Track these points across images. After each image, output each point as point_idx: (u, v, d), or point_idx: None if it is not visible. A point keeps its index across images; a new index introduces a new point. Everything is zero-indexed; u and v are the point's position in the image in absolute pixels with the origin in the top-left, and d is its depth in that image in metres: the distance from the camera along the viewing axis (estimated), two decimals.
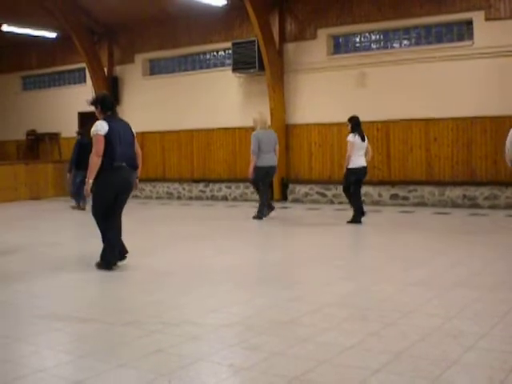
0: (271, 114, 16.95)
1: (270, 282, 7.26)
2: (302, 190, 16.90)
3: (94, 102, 8.03)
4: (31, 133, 22.53)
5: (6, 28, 18.73)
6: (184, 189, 19.01)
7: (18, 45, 21.77)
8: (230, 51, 17.48)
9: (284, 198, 17.24)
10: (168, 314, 5.86)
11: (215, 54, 18.89)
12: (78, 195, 16.03)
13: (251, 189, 17.62)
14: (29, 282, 7.56)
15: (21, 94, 23.24)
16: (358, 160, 11.89)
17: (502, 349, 4.60)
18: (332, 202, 16.23)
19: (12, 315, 5.93)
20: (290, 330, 5.23)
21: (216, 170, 18.52)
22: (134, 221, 13.91)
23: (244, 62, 17.02)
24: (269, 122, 13.91)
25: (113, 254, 7.94)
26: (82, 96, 20.92)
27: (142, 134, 19.86)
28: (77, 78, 21.96)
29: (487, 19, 14.24)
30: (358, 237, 10.89)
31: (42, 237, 11.61)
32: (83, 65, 20.37)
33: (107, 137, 7.65)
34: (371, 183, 15.85)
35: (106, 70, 20.42)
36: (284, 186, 17.28)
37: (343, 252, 9.44)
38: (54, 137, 22.06)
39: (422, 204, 15.03)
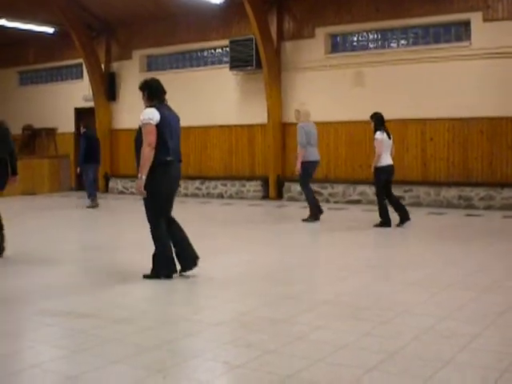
0: (268, 113, 16.97)
1: (266, 280, 7.27)
2: (297, 188, 16.86)
3: (142, 87, 7.26)
4: (28, 128, 22.47)
5: (3, 23, 18.67)
6: (179, 186, 18.98)
7: (15, 40, 21.70)
8: (228, 49, 17.48)
9: (279, 196, 17.25)
10: (163, 311, 5.87)
11: (213, 51, 18.86)
12: (91, 191, 15.63)
13: (247, 187, 17.65)
14: (27, 278, 7.57)
15: (18, 89, 23.20)
16: (387, 158, 11.44)
17: (496, 349, 4.61)
18: (328, 201, 16.22)
19: (8, 310, 5.93)
20: (285, 328, 5.24)
21: (212, 167, 18.52)
22: (131, 216, 13.96)
23: (241, 59, 17.02)
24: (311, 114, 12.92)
25: (166, 265, 7.20)
26: (78, 92, 21.01)
27: None
28: (74, 73, 21.92)
29: (485, 20, 14.25)
30: (354, 236, 10.89)
31: (39, 233, 11.60)
32: (80, 60, 20.33)
33: (159, 127, 6.89)
34: (367, 182, 15.86)
35: (103, 65, 20.39)
36: (280, 185, 17.29)
37: (340, 251, 9.44)
38: (51, 132, 22.03)
39: (417, 204, 15.03)
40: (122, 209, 15.92)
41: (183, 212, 15.19)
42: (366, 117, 15.66)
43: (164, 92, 7.25)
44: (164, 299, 6.41)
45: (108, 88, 20.30)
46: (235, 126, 17.98)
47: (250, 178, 17.77)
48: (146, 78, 7.43)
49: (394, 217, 11.46)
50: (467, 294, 6.38)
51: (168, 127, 7.00)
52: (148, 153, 6.81)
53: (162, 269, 7.17)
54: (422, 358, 4.41)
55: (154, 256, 7.19)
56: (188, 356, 4.54)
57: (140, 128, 6.99)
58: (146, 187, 6.85)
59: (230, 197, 17.95)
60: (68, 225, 13.45)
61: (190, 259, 7.25)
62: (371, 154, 15.90)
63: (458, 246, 9.56)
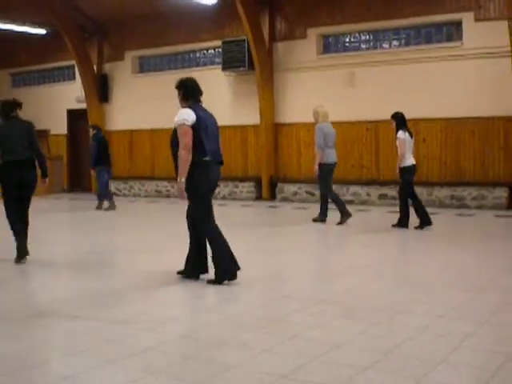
0: (260, 113, 16.98)
1: (260, 280, 7.27)
2: (290, 189, 16.92)
3: (178, 86, 7.04)
4: None
5: None
6: (173, 187, 18.96)
7: (7, 41, 21.65)
8: (220, 50, 17.50)
9: (273, 197, 17.27)
10: (158, 313, 5.87)
11: (205, 52, 18.89)
12: (105, 194, 15.43)
13: (240, 187, 17.66)
14: (26, 280, 7.56)
15: (10, 91, 23.07)
16: (410, 158, 11.25)
17: (490, 348, 4.63)
18: None
19: (6, 312, 5.92)
20: (280, 328, 5.25)
21: None
22: (129, 219, 13.96)
23: (234, 60, 17.05)
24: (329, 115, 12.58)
25: (228, 262, 6.94)
26: (71, 93, 20.98)
27: (131, 131, 19.91)
28: (66, 75, 21.90)
29: (477, 20, 14.32)
30: (349, 237, 10.90)
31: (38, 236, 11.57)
32: (73, 62, 20.32)
33: (195, 128, 6.71)
34: (360, 183, 15.91)
35: (95, 67, 20.38)
36: (273, 185, 17.31)
37: (333, 251, 9.46)
38: (43, 134, 21.91)
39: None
40: (117, 212, 15.85)
41: (176, 213, 15.20)
42: (359, 117, 15.82)
43: (200, 92, 7.09)
44: (159, 301, 6.40)
45: (100, 89, 20.30)
46: (228, 126, 17.93)
47: (243, 179, 17.78)
48: (182, 77, 7.25)
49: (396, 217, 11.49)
50: (462, 293, 6.40)
51: (204, 128, 6.81)
52: (185, 155, 6.67)
53: (222, 272, 6.92)
54: (416, 357, 4.42)
55: (212, 258, 6.98)
56: (182, 357, 4.55)
57: (175, 129, 6.84)
58: (187, 189, 6.76)
59: (223, 198, 17.95)
60: (66, 227, 13.44)
61: (195, 271, 7.19)
62: (364, 155, 16.02)
63: (451, 245, 9.59)
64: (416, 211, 11.30)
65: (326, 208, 12.26)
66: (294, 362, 4.36)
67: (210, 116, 7.07)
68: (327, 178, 12.19)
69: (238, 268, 6.92)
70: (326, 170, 12.08)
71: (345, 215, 11.96)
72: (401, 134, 11.19)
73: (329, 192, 12.20)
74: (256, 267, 8.09)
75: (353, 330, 5.09)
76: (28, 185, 8.59)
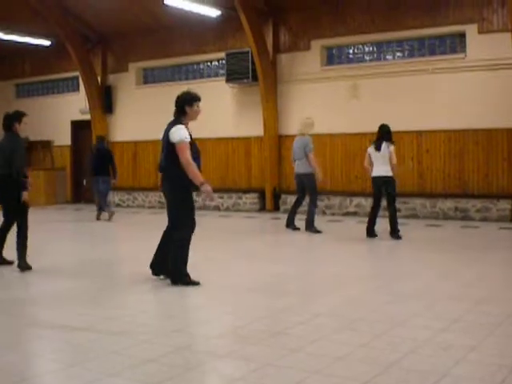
0: (264, 125, 16.98)
1: (262, 293, 7.25)
2: (293, 200, 16.85)
3: None
4: (24, 140, 22.38)
5: None
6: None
7: (11, 52, 21.73)
8: (224, 61, 17.52)
9: (276, 208, 17.24)
10: (159, 324, 5.84)
11: (209, 64, 18.91)
12: (103, 204, 15.45)
13: (244, 199, 17.65)
14: (25, 289, 7.55)
15: (14, 102, 23.13)
16: (374, 170, 11.66)
17: (492, 361, 4.60)
18: (324, 213, 16.21)
19: (3, 322, 5.90)
20: (281, 341, 5.22)
21: (208, 179, 18.45)
22: (130, 229, 13.95)
23: (237, 72, 17.06)
24: (308, 128, 12.99)
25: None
26: (75, 104, 21.01)
27: (135, 142, 19.92)
28: (70, 86, 21.95)
29: (480, 32, 14.33)
30: (350, 248, 10.87)
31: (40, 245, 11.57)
32: (77, 73, 20.36)
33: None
34: (363, 195, 15.87)
35: (99, 78, 20.41)
36: (276, 197, 17.28)
37: (333, 263, 9.43)
38: (47, 145, 22.02)
39: (413, 216, 15.03)
40: (120, 222, 15.86)
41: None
42: (362, 129, 15.80)
43: (178, 107, 7.65)
44: (161, 312, 6.39)
45: (104, 100, 20.32)
46: (232, 138, 17.98)
47: (247, 191, 17.77)
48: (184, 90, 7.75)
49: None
50: (464, 305, 6.36)
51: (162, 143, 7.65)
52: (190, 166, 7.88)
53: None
54: (418, 370, 4.39)
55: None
56: (184, 369, 4.52)
57: None
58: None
59: (227, 209, 17.93)
60: (68, 238, 13.43)
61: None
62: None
63: (454, 257, 9.56)
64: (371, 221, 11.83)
65: (313, 219, 12.74)
66: (296, 375, 4.33)
67: (169, 129, 7.67)
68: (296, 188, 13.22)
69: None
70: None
71: (288, 225, 13.00)
72: (368, 148, 11.89)
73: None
74: (258, 279, 8.07)
75: (354, 343, 5.06)
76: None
